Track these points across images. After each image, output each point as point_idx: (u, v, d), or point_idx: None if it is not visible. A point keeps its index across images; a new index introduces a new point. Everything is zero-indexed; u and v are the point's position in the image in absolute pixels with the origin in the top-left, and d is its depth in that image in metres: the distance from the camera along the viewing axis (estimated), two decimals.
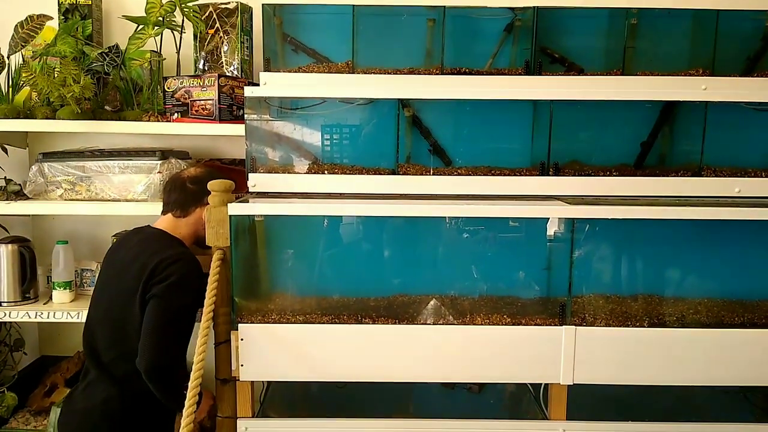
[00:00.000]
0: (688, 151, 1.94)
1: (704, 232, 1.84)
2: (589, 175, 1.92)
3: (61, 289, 2.16)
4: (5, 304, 2.11)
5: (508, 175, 1.92)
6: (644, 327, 1.78)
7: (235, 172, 2.25)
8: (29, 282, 2.15)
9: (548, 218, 1.80)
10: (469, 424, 1.85)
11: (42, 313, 2.10)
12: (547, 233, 1.83)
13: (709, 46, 1.96)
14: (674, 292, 1.85)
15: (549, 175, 1.91)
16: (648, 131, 1.94)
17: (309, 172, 1.95)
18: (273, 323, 1.79)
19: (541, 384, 1.92)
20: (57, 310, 2.10)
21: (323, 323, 1.79)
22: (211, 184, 1.75)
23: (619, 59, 1.98)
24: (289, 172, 1.94)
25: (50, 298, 2.18)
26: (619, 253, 1.88)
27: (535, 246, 1.87)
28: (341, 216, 1.85)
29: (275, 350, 1.78)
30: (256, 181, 1.90)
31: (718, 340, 1.78)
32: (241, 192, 1.93)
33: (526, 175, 1.92)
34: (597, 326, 1.78)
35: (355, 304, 1.84)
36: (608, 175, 1.91)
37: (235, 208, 1.73)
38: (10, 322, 2.36)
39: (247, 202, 1.81)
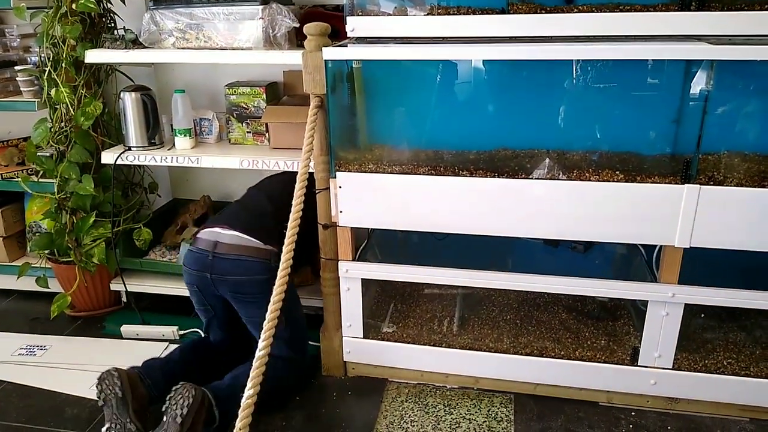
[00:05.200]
0: None
1: None
2: (741, 10, 1.60)
3: (182, 135, 2.28)
4: (134, 149, 2.28)
5: (640, 11, 1.65)
6: None
7: (338, 19, 2.15)
8: (153, 128, 2.29)
9: (682, 61, 1.55)
10: (570, 281, 1.80)
11: (167, 158, 2.25)
12: (680, 80, 1.58)
13: None
14: None
15: (690, 10, 1.62)
16: None
17: (411, 14, 1.81)
18: (370, 173, 1.78)
19: (654, 248, 1.79)
20: (180, 156, 2.24)
21: (421, 174, 1.75)
22: (307, 27, 1.68)
23: None
24: (389, 15, 1.81)
25: (173, 144, 2.33)
26: None
27: (664, 95, 1.64)
28: (443, 60, 1.72)
29: (372, 199, 1.79)
30: (354, 25, 1.80)
31: None
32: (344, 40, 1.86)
33: (662, 11, 1.64)
34: (727, 186, 1.58)
35: (454, 157, 1.77)
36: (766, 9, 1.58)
37: (331, 53, 1.67)
38: (143, 167, 2.58)
39: (345, 47, 1.74)
